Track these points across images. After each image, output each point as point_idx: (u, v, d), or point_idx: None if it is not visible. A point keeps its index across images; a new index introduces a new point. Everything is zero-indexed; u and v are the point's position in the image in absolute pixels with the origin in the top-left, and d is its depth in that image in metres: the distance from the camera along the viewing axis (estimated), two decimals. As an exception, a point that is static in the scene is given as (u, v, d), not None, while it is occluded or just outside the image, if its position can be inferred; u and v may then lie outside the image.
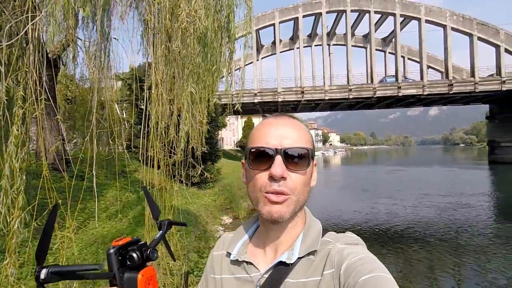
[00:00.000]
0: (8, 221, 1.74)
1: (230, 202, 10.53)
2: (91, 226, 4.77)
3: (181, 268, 3.22)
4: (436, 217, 10.52)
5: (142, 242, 0.54)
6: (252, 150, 0.66)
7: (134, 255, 0.50)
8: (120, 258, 0.50)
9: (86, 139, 2.09)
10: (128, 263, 0.50)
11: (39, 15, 1.79)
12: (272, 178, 0.62)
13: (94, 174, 2.08)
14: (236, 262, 0.70)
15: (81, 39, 3.72)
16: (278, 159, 0.62)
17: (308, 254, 0.64)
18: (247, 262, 0.68)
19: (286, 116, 0.71)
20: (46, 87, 2.03)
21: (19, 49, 1.75)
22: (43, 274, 0.44)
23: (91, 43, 3.18)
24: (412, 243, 7.88)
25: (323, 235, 0.68)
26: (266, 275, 0.65)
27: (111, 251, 0.49)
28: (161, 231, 0.58)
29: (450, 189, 16.45)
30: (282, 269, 0.64)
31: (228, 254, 0.72)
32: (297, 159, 0.64)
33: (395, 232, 9.00)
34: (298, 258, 0.64)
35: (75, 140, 5.81)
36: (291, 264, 0.63)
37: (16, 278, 1.90)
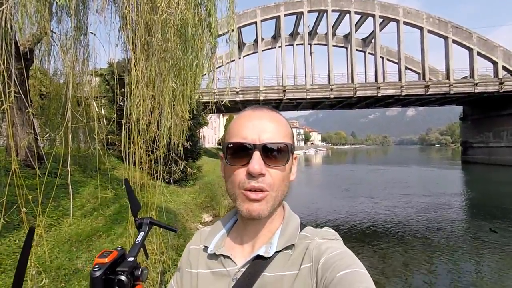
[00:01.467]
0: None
1: (211, 200, 10.46)
2: (65, 224, 4.59)
3: (160, 265, 3.17)
4: (411, 215, 10.94)
5: (130, 259, 0.48)
6: (229, 146, 0.64)
7: (124, 278, 0.45)
8: (106, 280, 0.44)
9: (59, 134, 2.00)
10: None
11: (5, 3, 1.69)
12: (250, 175, 0.61)
13: (69, 170, 2.00)
14: (213, 256, 0.69)
15: (55, 33, 3.56)
16: (257, 155, 0.61)
17: (286, 248, 0.64)
18: (224, 256, 0.67)
19: (265, 108, 0.68)
20: (16, 80, 1.93)
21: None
22: None
23: (66, 37, 3.06)
24: (388, 241, 8.15)
25: (301, 230, 0.68)
26: (243, 269, 0.64)
27: (97, 274, 0.43)
28: (142, 233, 0.53)
29: (425, 188, 17.13)
30: (259, 262, 0.63)
31: (205, 248, 0.71)
32: (276, 155, 0.62)
33: (371, 229, 9.28)
34: (276, 252, 0.64)
35: (47, 135, 5.57)
36: (269, 258, 0.63)
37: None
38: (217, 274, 0.66)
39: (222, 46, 3.44)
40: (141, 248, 0.57)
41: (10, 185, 1.80)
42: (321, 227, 0.71)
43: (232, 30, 3.02)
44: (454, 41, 30.20)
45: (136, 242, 0.52)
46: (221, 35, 3.51)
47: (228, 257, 0.67)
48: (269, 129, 0.63)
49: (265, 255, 0.63)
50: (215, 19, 2.91)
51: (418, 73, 35.24)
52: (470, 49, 30.27)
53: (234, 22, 2.89)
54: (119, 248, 0.48)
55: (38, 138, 5.70)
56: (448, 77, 29.83)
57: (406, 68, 33.36)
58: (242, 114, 0.68)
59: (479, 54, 30.10)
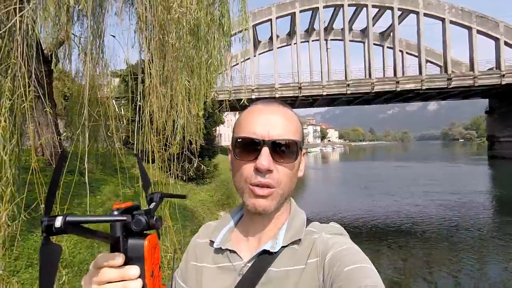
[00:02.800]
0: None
1: (227, 197, 10.56)
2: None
3: (178, 262, 3.23)
4: (435, 213, 10.58)
5: (145, 209, 0.49)
6: (238, 140, 0.64)
7: (142, 219, 0.45)
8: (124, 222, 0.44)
9: (77, 133, 2.08)
10: (134, 227, 0.44)
11: (26, 7, 1.77)
12: (258, 170, 0.61)
13: (87, 168, 2.08)
14: (219, 251, 0.69)
15: (76, 36, 3.69)
16: (265, 150, 0.60)
17: (292, 243, 0.64)
18: (230, 251, 0.67)
19: (275, 103, 0.67)
20: (40, 81, 2.02)
21: (8, 41, 1.73)
22: (58, 222, 0.37)
23: (86, 40, 3.16)
24: (411, 240, 7.93)
25: (307, 225, 0.68)
26: (249, 264, 0.64)
27: (116, 213, 0.44)
28: (154, 203, 0.52)
29: (450, 185, 16.52)
30: (265, 257, 0.63)
31: (211, 243, 0.71)
32: (285, 151, 0.62)
33: (393, 228, 9.05)
34: (282, 247, 0.63)
35: (64, 134, 5.79)
36: (275, 253, 0.63)
37: (8, 271, 1.89)
38: (223, 268, 0.66)
39: (236, 45, 3.46)
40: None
41: (32, 183, 1.89)
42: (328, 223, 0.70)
43: (246, 29, 3.02)
44: (478, 31, 28.87)
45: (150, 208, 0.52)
46: (235, 34, 3.52)
47: (234, 251, 0.67)
48: (279, 125, 0.63)
49: (271, 250, 0.63)
50: (228, 18, 2.92)
51: (440, 66, 33.91)
52: (496, 39, 28.84)
53: (247, 23, 2.89)
54: (135, 203, 0.49)
55: (61, 137, 5.94)
56: (472, 69, 28.56)
57: (427, 61, 32.19)
58: (252, 108, 0.68)
59: (506, 44, 28.60)
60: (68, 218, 0.38)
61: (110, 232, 0.44)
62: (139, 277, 0.44)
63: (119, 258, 0.43)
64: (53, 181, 0.40)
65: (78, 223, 0.39)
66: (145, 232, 0.47)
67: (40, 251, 0.38)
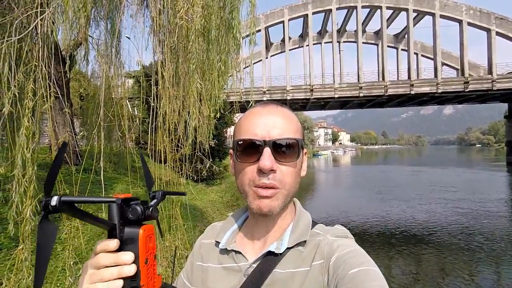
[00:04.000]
0: (21, 209, 1.82)
1: (237, 199, 10.59)
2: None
3: (183, 256, 3.28)
4: (451, 221, 10.27)
5: (142, 200, 0.51)
6: (239, 143, 0.64)
7: (138, 208, 0.48)
8: (121, 211, 0.47)
9: (93, 132, 2.15)
10: (130, 216, 0.47)
11: (47, 11, 1.85)
12: (260, 171, 0.61)
13: (102, 166, 2.14)
14: (224, 251, 0.70)
15: (93, 37, 3.81)
16: (267, 151, 0.61)
17: (297, 245, 0.64)
18: (235, 251, 0.68)
19: (274, 104, 0.68)
20: (58, 82, 2.10)
21: (30, 44, 1.82)
22: (54, 201, 0.40)
23: (102, 42, 3.26)
24: (424, 247, 7.72)
25: (312, 227, 0.68)
26: (255, 265, 0.64)
27: (114, 199, 0.47)
28: (155, 200, 0.55)
29: (465, 192, 15.99)
30: (270, 259, 0.63)
31: (217, 243, 0.72)
32: (286, 150, 0.62)
33: (406, 235, 8.85)
34: (287, 248, 0.64)
35: (81, 133, 5.96)
36: (280, 254, 0.63)
37: (30, 263, 1.98)
38: (228, 269, 0.67)
39: (247, 47, 3.50)
40: (156, 224, 0.60)
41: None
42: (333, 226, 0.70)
43: (253, 34, 3.05)
44: (497, 33, 27.98)
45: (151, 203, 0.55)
46: (246, 36, 3.56)
47: (239, 252, 0.67)
48: (279, 125, 0.63)
49: (276, 251, 0.63)
50: (238, 21, 2.96)
51: (457, 69, 33.06)
52: (516, 42, 27.90)
53: (254, 26, 2.93)
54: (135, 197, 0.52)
55: (78, 136, 6.11)
56: (490, 72, 27.70)
57: (443, 64, 31.44)
58: (251, 110, 0.68)
59: (527, 46, 27.64)
60: (63, 198, 0.41)
61: (108, 219, 0.47)
62: (133, 263, 0.46)
63: (114, 243, 0.46)
64: (54, 166, 0.43)
65: (72, 203, 0.42)
66: (143, 223, 0.49)
67: (38, 228, 0.41)
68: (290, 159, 0.63)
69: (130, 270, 0.45)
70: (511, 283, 5.78)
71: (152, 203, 0.53)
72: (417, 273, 6.24)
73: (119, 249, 0.46)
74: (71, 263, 2.48)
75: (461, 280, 5.94)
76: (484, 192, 15.66)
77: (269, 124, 0.63)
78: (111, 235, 0.47)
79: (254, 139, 0.62)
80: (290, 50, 35.16)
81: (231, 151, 0.70)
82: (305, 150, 0.69)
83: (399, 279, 5.71)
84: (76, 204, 0.43)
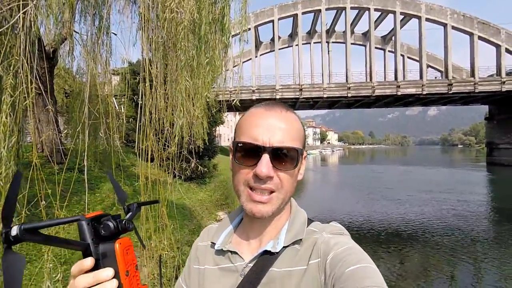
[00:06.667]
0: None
1: (226, 198, 10.55)
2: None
3: (175, 260, 3.24)
4: (433, 218, 10.59)
5: (114, 215, 0.50)
6: (239, 145, 0.63)
7: (110, 223, 0.47)
8: (93, 229, 0.46)
9: (77, 130, 2.09)
10: (103, 232, 0.46)
11: (30, 3, 1.79)
12: (257, 177, 0.60)
13: (86, 164, 2.08)
14: (220, 252, 0.69)
15: (78, 33, 3.70)
16: (265, 157, 0.59)
17: (294, 243, 0.63)
18: (231, 252, 0.67)
19: (278, 106, 0.65)
20: (41, 78, 2.03)
21: (12, 38, 1.74)
22: (14, 230, 0.37)
23: (88, 37, 3.17)
24: (408, 245, 7.92)
25: (308, 224, 0.67)
26: (251, 264, 0.64)
27: (83, 220, 0.45)
28: (130, 213, 0.54)
29: (448, 191, 16.50)
30: (267, 258, 0.63)
31: (213, 245, 0.71)
32: (285, 158, 0.61)
33: (391, 232, 9.06)
34: (283, 247, 0.63)
35: (65, 131, 5.79)
36: (276, 253, 0.63)
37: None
38: (225, 270, 0.66)
39: (237, 46, 3.47)
40: (136, 235, 0.59)
41: (34, 179, 1.90)
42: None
43: (244, 31, 3.03)
44: (480, 38, 28.90)
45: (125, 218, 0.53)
46: (236, 34, 3.53)
47: (235, 252, 0.67)
48: (281, 132, 0.61)
49: (273, 250, 0.63)
50: (229, 18, 2.93)
51: (441, 71, 33.96)
52: (497, 46, 28.87)
53: (245, 23, 2.90)
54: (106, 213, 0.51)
55: (62, 134, 5.95)
56: (473, 75, 28.59)
57: (428, 66, 32.24)
58: (254, 111, 0.66)
59: (507, 51, 28.63)
60: (24, 226, 0.38)
61: (80, 240, 0.46)
62: (114, 277, 0.45)
63: (88, 261, 0.44)
64: (10, 194, 0.40)
65: (35, 229, 0.39)
66: (119, 236, 0.48)
67: (2, 262, 0.37)
68: (289, 167, 0.62)
69: (112, 285, 0.44)
70: (489, 279, 5.99)
71: (128, 216, 0.52)
72: (401, 270, 6.38)
73: (98, 267, 0.45)
74: (50, 266, 2.38)
75: (443, 278, 6.12)
76: (467, 192, 16.16)
77: (271, 129, 0.61)
78: (86, 255, 0.46)
79: (254, 143, 0.61)
80: (279, 49, 35.21)
81: (231, 146, 0.69)
82: (304, 154, 0.67)
83: (385, 277, 5.82)
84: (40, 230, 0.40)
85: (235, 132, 0.68)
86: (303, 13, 30.80)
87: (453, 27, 29.15)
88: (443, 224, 9.91)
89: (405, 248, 7.66)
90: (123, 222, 0.49)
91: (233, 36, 3.52)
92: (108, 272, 0.44)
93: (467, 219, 10.46)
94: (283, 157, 0.61)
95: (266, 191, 0.61)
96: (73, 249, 0.45)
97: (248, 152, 0.62)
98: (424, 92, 28.02)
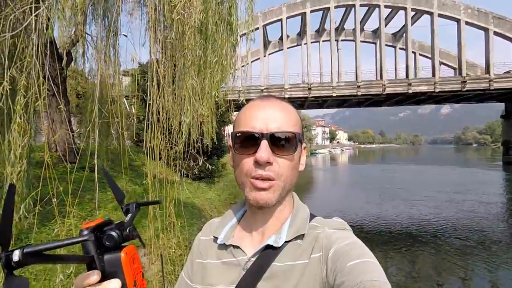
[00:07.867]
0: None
1: (235, 197, 10.60)
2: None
3: (183, 258, 3.27)
4: (449, 220, 10.30)
5: (117, 222, 0.48)
6: (237, 135, 0.65)
7: (114, 233, 0.45)
8: (96, 240, 0.44)
9: (87, 130, 2.14)
10: (107, 243, 0.45)
11: (42, 6, 1.84)
12: (257, 163, 0.61)
13: (96, 163, 2.13)
14: (223, 247, 0.69)
15: (90, 35, 3.79)
16: (264, 143, 0.61)
17: (296, 238, 0.64)
18: (234, 246, 0.68)
19: (273, 97, 0.68)
20: (54, 79, 2.08)
21: (24, 40, 1.80)
22: (16, 256, 0.35)
23: (99, 39, 3.24)
24: (421, 246, 7.74)
25: (310, 219, 0.68)
26: (253, 259, 0.64)
27: (85, 232, 0.44)
28: (130, 214, 0.52)
29: (462, 191, 16.08)
30: (269, 252, 0.63)
31: (215, 239, 0.71)
32: (284, 144, 0.62)
33: (404, 233, 8.89)
34: (286, 241, 0.64)
35: (77, 131, 5.92)
36: (278, 247, 0.63)
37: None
38: (227, 264, 0.67)
39: (245, 45, 3.47)
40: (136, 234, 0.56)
41: (47, 178, 1.95)
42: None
43: (251, 31, 3.04)
44: (495, 33, 28.08)
45: (125, 220, 0.51)
46: (244, 34, 3.53)
47: (238, 247, 0.67)
48: (277, 118, 0.63)
49: (275, 245, 0.63)
50: (236, 18, 2.94)
51: (454, 68, 33.15)
52: (514, 41, 27.99)
53: (252, 22, 2.91)
54: (106, 218, 0.49)
55: (74, 134, 6.09)
56: (488, 71, 27.79)
57: (441, 63, 31.50)
58: (250, 104, 0.69)
59: (524, 46, 27.75)
60: (26, 250, 0.36)
61: (83, 252, 0.44)
62: None
63: (94, 275, 0.43)
64: (5, 212, 0.37)
65: (38, 253, 0.37)
66: (122, 244, 0.47)
67: None
68: (288, 152, 0.63)
69: None
70: (507, 283, 5.82)
71: (128, 218, 0.51)
72: (413, 272, 6.27)
73: (104, 279, 0.44)
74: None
75: (457, 279, 5.98)
76: (481, 192, 15.72)
77: (268, 117, 0.63)
78: (90, 267, 0.44)
79: (252, 131, 0.63)
80: (288, 48, 35.11)
81: (229, 143, 0.70)
82: (304, 145, 0.69)
83: (396, 278, 5.74)
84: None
85: (233, 127, 0.70)
86: (312, 11, 30.59)
87: (467, 23, 28.40)
88: (458, 225, 9.66)
89: (417, 250, 7.51)
90: (127, 230, 0.47)
91: (241, 35, 3.52)
92: (116, 284, 0.43)
93: (484, 220, 10.16)
94: (282, 142, 0.62)
95: (267, 180, 0.62)
96: (77, 263, 0.44)
97: (247, 141, 0.63)
98: (437, 90, 27.39)
